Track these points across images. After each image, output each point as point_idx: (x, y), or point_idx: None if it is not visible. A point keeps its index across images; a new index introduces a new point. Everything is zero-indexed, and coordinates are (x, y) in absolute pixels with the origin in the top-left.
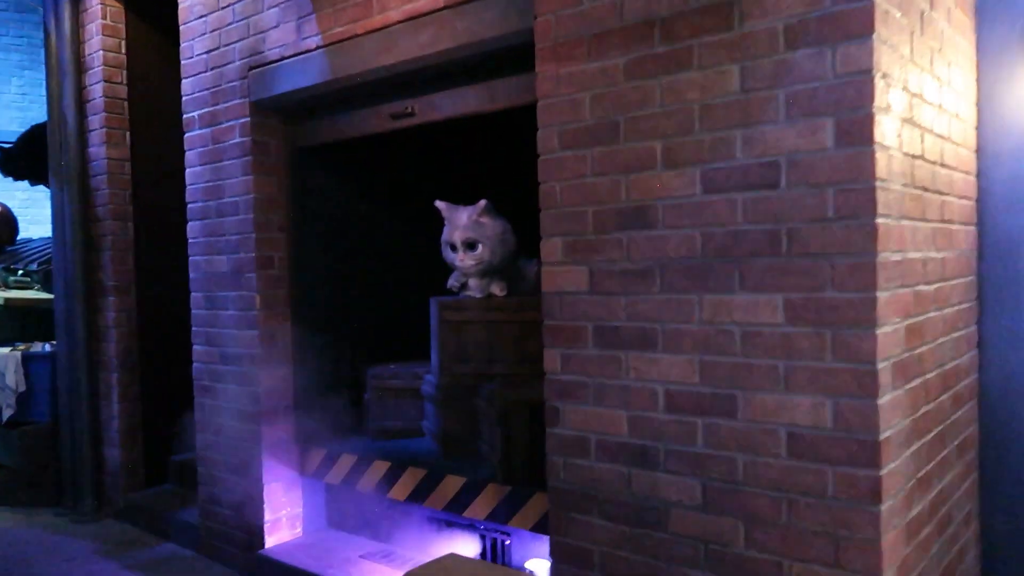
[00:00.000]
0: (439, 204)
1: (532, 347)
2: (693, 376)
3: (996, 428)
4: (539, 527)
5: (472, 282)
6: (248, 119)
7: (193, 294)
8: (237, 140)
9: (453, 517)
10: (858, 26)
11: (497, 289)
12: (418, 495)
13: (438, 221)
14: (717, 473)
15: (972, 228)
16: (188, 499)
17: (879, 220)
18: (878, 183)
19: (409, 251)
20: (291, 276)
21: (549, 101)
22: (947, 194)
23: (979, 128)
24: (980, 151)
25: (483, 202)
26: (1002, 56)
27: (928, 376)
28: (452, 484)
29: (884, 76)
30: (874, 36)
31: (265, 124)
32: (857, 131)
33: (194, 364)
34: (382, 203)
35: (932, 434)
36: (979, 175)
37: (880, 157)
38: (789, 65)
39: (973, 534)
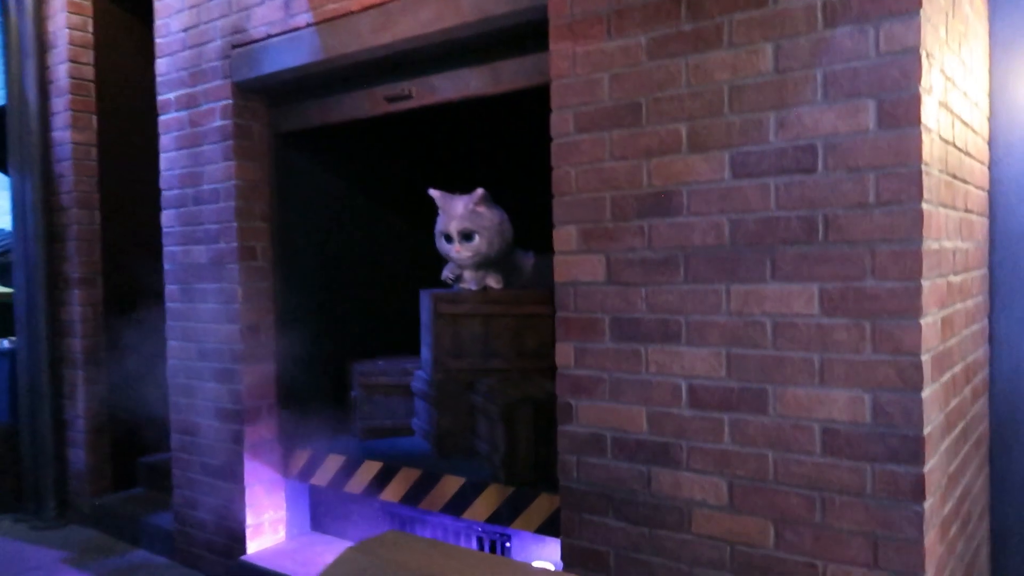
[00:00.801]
0: (433, 193)
1: (530, 341)
2: (720, 370)
3: (1006, 421)
4: (544, 529)
5: (467, 274)
6: (230, 101)
7: (168, 286)
8: (218, 124)
9: (449, 519)
10: (904, 2)
11: (493, 282)
12: (413, 497)
13: (429, 211)
14: (745, 471)
15: (986, 219)
16: (160, 503)
17: (924, 206)
18: (924, 167)
19: (398, 242)
20: (275, 268)
21: (564, 82)
22: (969, 183)
23: (991, 118)
24: (992, 141)
25: (480, 191)
26: (1016, 45)
27: (956, 370)
28: (450, 485)
29: (928, 56)
30: (920, 13)
31: (248, 107)
32: (902, 113)
33: (169, 360)
34: (370, 192)
35: (958, 429)
36: (991, 165)
37: (925, 140)
38: (828, 43)
39: (986, 530)
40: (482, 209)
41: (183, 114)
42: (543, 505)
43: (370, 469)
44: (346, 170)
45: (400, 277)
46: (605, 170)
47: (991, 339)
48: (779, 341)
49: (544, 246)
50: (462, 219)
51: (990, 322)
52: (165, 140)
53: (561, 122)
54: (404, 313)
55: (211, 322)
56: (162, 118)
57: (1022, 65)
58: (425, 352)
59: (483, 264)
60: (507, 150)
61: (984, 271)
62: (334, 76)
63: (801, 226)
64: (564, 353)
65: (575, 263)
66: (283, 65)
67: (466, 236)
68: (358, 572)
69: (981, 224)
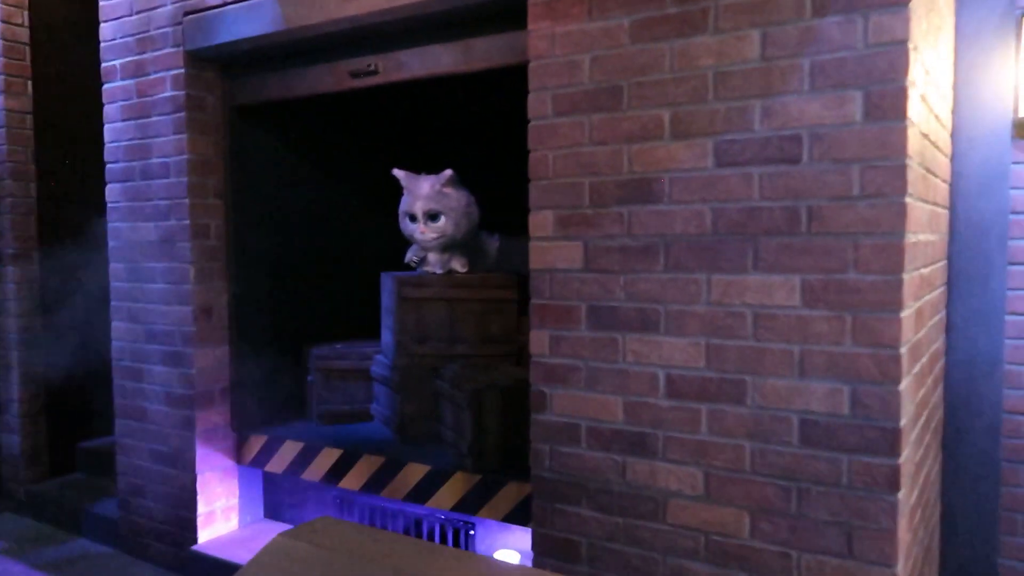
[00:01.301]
0: (398, 173)
1: (495, 327)
2: (699, 360)
3: (960, 408)
4: (512, 518)
5: (432, 257)
6: (182, 71)
7: (112, 264)
8: (168, 94)
9: (410, 507)
10: None
11: (458, 265)
12: (375, 485)
13: (391, 193)
14: (721, 461)
15: (947, 211)
16: (102, 490)
17: (908, 200)
18: (908, 161)
19: (357, 223)
20: (229, 247)
21: (542, 62)
22: (937, 176)
23: (955, 111)
24: (955, 134)
25: (448, 172)
26: (979, 40)
27: (923, 360)
28: (414, 473)
29: (915, 48)
30: (910, 5)
31: (201, 77)
32: (889, 105)
33: (114, 342)
34: (330, 171)
35: (923, 418)
36: (952, 158)
37: (910, 134)
38: (815, 32)
39: (938, 515)
40: (449, 190)
41: (129, 83)
42: (511, 493)
43: (330, 456)
44: (305, 147)
45: (359, 259)
46: (584, 155)
47: (948, 328)
48: (759, 332)
49: (510, 228)
50: (428, 199)
51: (947, 312)
52: (110, 110)
53: (539, 104)
54: (362, 296)
55: (160, 303)
56: (106, 86)
57: (985, 59)
58: (387, 336)
59: (448, 246)
60: (472, 130)
61: (944, 262)
62: (296, 48)
63: (784, 217)
64: (539, 341)
65: (551, 249)
66: (241, 34)
67: (432, 217)
68: (288, 558)
69: (944, 216)
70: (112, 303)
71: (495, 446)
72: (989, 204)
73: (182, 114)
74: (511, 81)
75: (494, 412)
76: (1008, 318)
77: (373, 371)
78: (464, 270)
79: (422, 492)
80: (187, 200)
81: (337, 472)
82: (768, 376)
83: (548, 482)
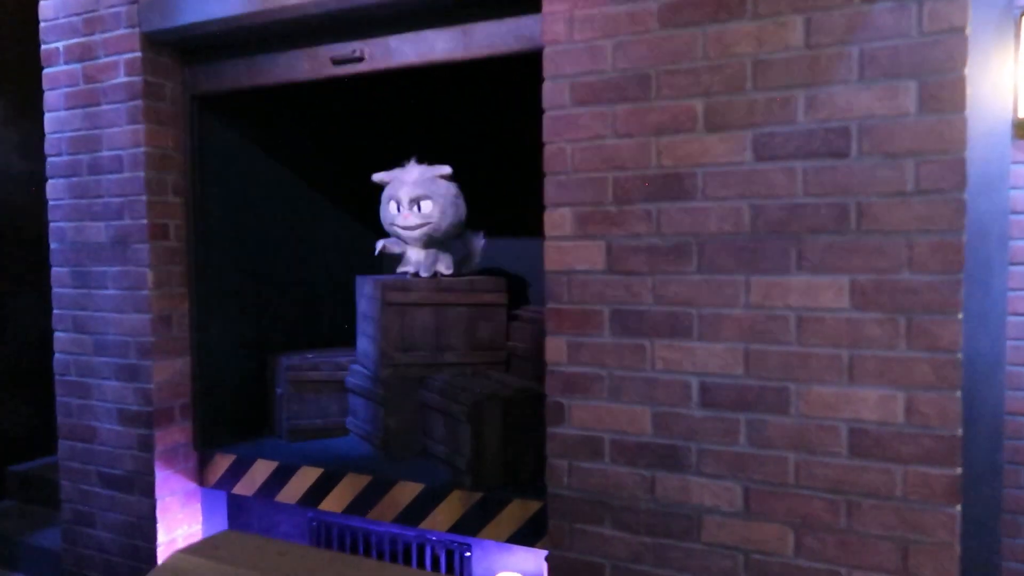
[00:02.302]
0: (378, 176)
1: (484, 333)
2: (736, 367)
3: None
4: (518, 538)
5: (413, 255)
6: (138, 54)
7: (55, 269)
8: (122, 80)
9: (398, 529)
10: None
11: (443, 267)
12: (360, 506)
13: (359, 193)
14: (762, 475)
15: None
16: (39, 518)
17: (967, 195)
18: (967, 154)
19: (324, 225)
20: (189, 249)
21: (559, 48)
22: None
23: None
24: None
25: (446, 168)
26: (980, 39)
27: None
28: (405, 492)
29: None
30: None
31: (159, 62)
32: (947, 96)
33: (56, 355)
34: (296, 169)
35: None
36: None
37: (971, 126)
38: (865, 19)
39: None
40: (440, 181)
41: (75, 67)
42: (516, 512)
43: (308, 476)
44: (271, 142)
45: (326, 263)
46: (607, 148)
47: None
48: (804, 336)
49: (493, 228)
50: (415, 185)
51: None
52: (52, 97)
53: (555, 93)
54: (329, 302)
55: (112, 311)
56: (48, 71)
57: (983, 60)
58: (366, 345)
59: (432, 242)
60: (454, 126)
61: None
62: (270, 31)
63: (831, 214)
64: (555, 348)
65: (569, 249)
66: (207, 15)
67: (418, 203)
68: (186, 574)
69: None
70: (55, 311)
71: (496, 461)
72: (989, 204)
73: (138, 102)
74: (497, 73)
75: (494, 425)
76: (1009, 319)
77: (349, 382)
78: (449, 272)
79: (414, 513)
80: (144, 197)
81: (317, 493)
82: (814, 383)
83: (566, 500)
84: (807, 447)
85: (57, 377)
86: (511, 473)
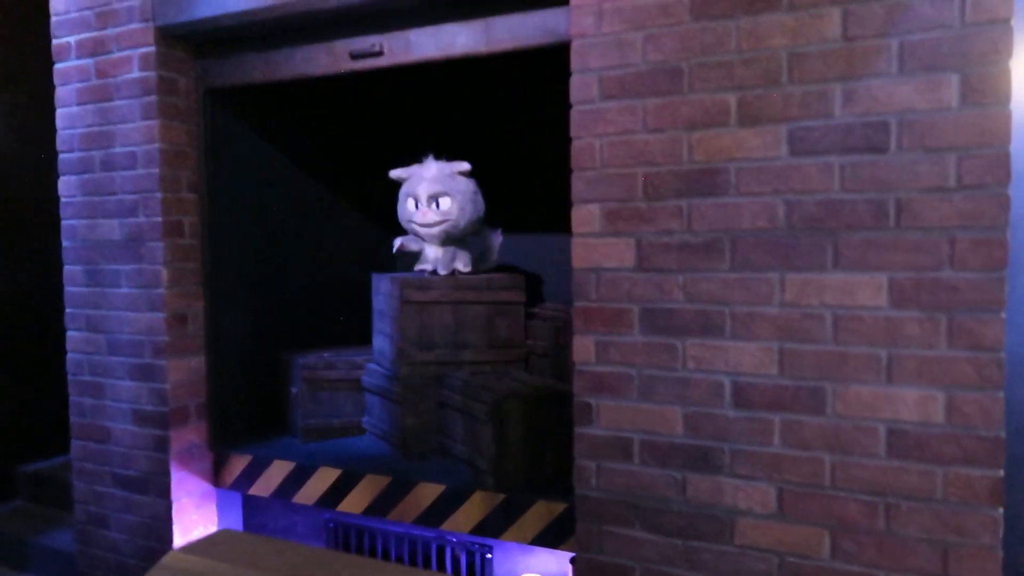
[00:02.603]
0: (395, 173)
1: (503, 330)
2: (770, 366)
3: None
4: (542, 540)
5: (431, 252)
6: (153, 49)
7: (67, 267)
8: (136, 75)
9: (415, 530)
10: None
11: (461, 264)
12: (379, 507)
13: (374, 189)
14: (797, 476)
15: None
16: (50, 519)
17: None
18: (1010, 149)
19: (335, 222)
20: (204, 247)
21: (587, 41)
22: None
23: None
24: None
25: (464, 164)
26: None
27: None
28: (426, 493)
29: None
30: None
31: (173, 56)
32: (990, 89)
33: (69, 354)
34: (307, 165)
35: None
36: None
37: (1014, 119)
38: (905, 10)
39: None
40: (459, 177)
41: (87, 62)
42: (540, 513)
43: (326, 476)
44: (284, 138)
45: (338, 261)
46: (637, 142)
47: None
48: (841, 335)
49: (504, 225)
50: (434, 181)
51: None
52: (64, 92)
53: (583, 87)
54: (341, 300)
55: (127, 309)
56: (59, 66)
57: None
58: (383, 343)
59: (450, 239)
60: (471, 121)
61: None
62: (287, 25)
63: (869, 210)
64: (583, 347)
65: (597, 246)
66: (224, 9)
67: (436, 199)
68: (184, 574)
69: None
70: (67, 310)
71: (518, 462)
72: (1017, 200)
73: (152, 98)
74: (510, 68)
75: (517, 424)
76: None
77: (365, 381)
78: (467, 270)
79: (435, 514)
80: (158, 194)
81: (335, 494)
82: (851, 383)
83: (594, 502)
84: (844, 448)
85: (70, 377)
86: (533, 473)
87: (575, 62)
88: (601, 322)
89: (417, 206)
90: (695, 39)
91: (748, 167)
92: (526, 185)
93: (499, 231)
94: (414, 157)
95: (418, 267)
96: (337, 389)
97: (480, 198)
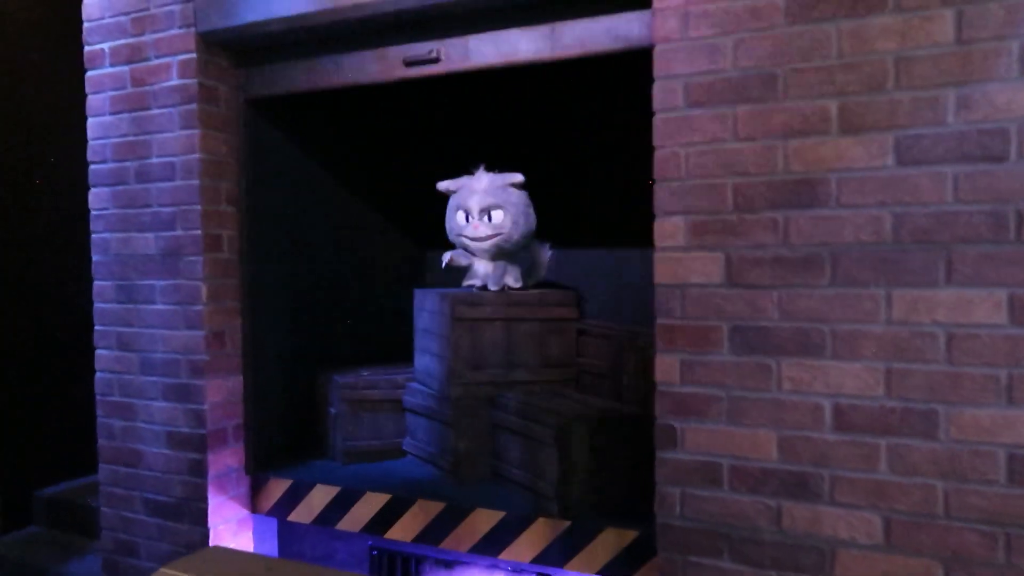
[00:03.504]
0: (443, 185)
1: (555, 349)
2: (876, 387)
3: None
4: (611, 570)
5: (480, 267)
6: (194, 55)
7: (97, 283)
8: (176, 83)
9: (467, 557)
10: None
11: (512, 280)
12: (432, 535)
13: (410, 203)
14: (906, 504)
15: None
16: (70, 547)
17: None
18: None
19: (372, 236)
20: (242, 261)
21: (672, 46)
22: None
23: None
24: None
25: (518, 176)
26: None
27: None
28: (483, 520)
29: None
30: None
31: (214, 63)
32: None
33: (98, 374)
34: (346, 176)
35: None
36: None
37: None
38: None
39: None
40: (512, 189)
41: (123, 69)
42: (609, 541)
43: (373, 502)
44: (323, 151)
45: (375, 276)
46: (727, 152)
47: None
48: (955, 354)
49: (558, 239)
50: (486, 194)
51: None
52: (95, 101)
53: (668, 94)
54: (377, 316)
55: (162, 327)
56: (91, 74)
57: None
58: (428, 362)
59: (501, 253)
60: (517, 131)
61: None
62: (336, 31)
63: (986, 222)
64: (667, 367)
65: (683, 261)
66: (270, 14)
67: (488, 212)
68: None
69: None
70: (96, 328)
71: (583, 487)
72: None
73: (193, 106)
74: (561, 77)
75: (583, 448)
76: None
77: (408, 402)
78: (518, 285)
79: (494, 542)
80: (198, 207)
81: (383, 520)
82: (966, 405)
83: (678, 531)
84: (958, 474)
85: (99, 397)
86: (598, 499)
87: (659, 67)
88: (687, 340)
89: (467, 219)
90: (790, 43)
91: (851, 177)
92: (566, 199)
93: (548, 245)
94: (450, 170)
95: (467, 282)
96: (378, 410)
97: (532, 211)
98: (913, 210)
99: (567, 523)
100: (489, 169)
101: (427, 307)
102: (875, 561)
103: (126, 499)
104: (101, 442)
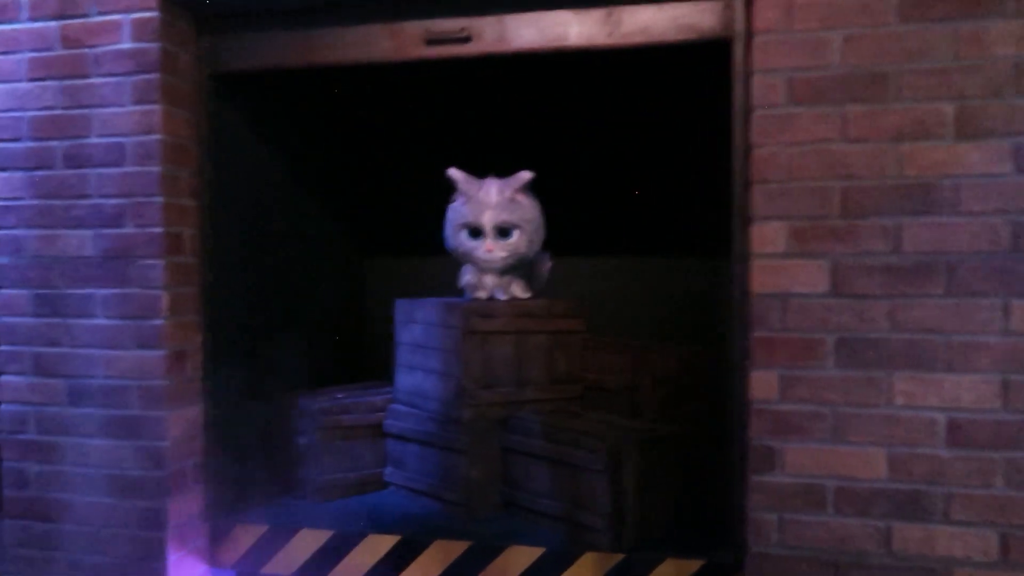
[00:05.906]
0: (454, 174)
1: (562, 364)
2: (993, 400)
3: None
4: None
5: (488, 279)
6: (156, 14)
7: (5, 291)
8: (128, 46)
9: None
10: None
11: (518, 289)
12: None
13: (371, 206)
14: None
15: None
16: None
17: None
18: None
19: (321, 242)
20: (203, 266)
21: (773, 37)
22: None
23: None
24: None
25: (526, 174)
26: None
27: None
28: (519, 558)
29: None
30: None
31: (176, 27)
32: None
33: (2, 406)
34: (304, 174)
35: None
36: None
37: None
38: None
39: None
40: (522, 198)
41: (49, 25)
42: (669, 574)
43: (376, 546)
44: (282, 137)
45: (334, 286)
46: (833, 153)
47: None
48: None
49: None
50: (500, 209)
51: None
52: (6, 63)
53: (768, 89)
54: (333, 330)
55: (103, 346)
56: (2, 28)
57: None
58: (423, 381)
59: (508, 268)
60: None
61: None
62: None
63: None
64: (763, 383)
65: (783, 269)
66: None
67: (503, 232)
68: None
69: None
70: (1, 348)
71: (635, 517)
72: None
73: (154, 76)
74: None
75: (633, 474)
76: None
77: (392, 426)
78: (526, 295)
79: None
80: (158, 199)
81: (391, 567)
82: None
83: (775, 560)
84: None
85: (4, 435)
86: (647, 528)
87: (758, 60)
88: (788, 354)
89: (479, 237)
90: (903, 43)
91: (968, 183)
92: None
93: (548, 255)
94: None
95: (471, 295)
96: (354, 437)
97: (543, 222)
98: None
99: (620, 556)
100: (488, 170)
101: (420, 319)
102: None
103: (47, 564)
104: (7, 492)
